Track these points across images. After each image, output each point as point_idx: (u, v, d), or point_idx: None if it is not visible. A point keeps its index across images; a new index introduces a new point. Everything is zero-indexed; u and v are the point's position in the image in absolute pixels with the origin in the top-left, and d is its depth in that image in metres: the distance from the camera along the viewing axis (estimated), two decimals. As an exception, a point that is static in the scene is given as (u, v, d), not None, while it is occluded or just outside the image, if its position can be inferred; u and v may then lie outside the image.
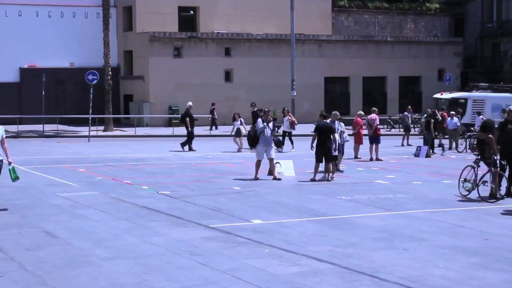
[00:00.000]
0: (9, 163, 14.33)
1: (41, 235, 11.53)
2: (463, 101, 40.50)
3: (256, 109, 31.53)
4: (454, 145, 32.01)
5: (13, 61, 45.89)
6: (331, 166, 19.59)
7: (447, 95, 41.46)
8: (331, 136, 19.56)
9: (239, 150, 28.82)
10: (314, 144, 19.64)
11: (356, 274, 9.25)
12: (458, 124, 32.46)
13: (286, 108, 31.39)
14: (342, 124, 22.17)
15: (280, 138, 29.57)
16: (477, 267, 9.70)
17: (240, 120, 29.99)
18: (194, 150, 28.64)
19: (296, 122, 30.31)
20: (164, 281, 8.82)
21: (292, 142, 29.68)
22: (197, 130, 31.20)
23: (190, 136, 29.25)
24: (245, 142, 27.66)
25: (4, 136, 14.22)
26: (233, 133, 30.62)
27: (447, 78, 51.30)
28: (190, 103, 30.88)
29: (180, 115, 32.79)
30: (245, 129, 29.11)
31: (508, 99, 39.98)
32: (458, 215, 14.09)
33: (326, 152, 19.43)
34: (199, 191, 17.02)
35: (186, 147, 28.91)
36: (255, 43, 48.58)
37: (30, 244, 10.85)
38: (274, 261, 9.92)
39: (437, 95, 42.09)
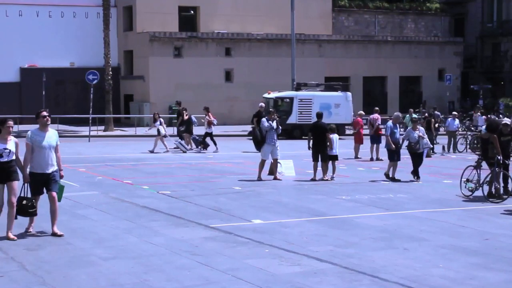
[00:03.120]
0: (61, 177, 11.93)
1: (42, 235, 11.52)
2: (288, 100, 38.44)
3: (181, 107, 30.77)
4: (451, 146, 31.07)
5: (13, 61, 45.91)
6: (328, 165, 19.61)
7: (273, 94, 38.96)
8: (325, 136, 19.58)
9: (152, 151, 27.79)
10: (311, 144, 19.72)
11: (356, 274, 9.25)
12: (459, 125, 31.72)
13: (206, 108, 30.48)
14: (422, 128, 20.21)
15: (199, 138, 29.01)
16: (477, 267, 9.69)
17: (160, 120, 28.99)
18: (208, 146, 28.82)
19: (214, 123, 29.47)
20: (164, 281, 8.82)
21: (215, 143, 28.81)
22: (198, 130, 31.13)
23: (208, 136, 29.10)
24: (165, 144, 27.77)
25: (59, 142, 11.88)
26: (163, 133, 28.85)
27: (447, 78, 51.28)
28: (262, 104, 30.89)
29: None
30: (164, 129, 28.50)
31: (337, 98, 38.69)
32: (458, 215, 14.09)
33: (321, 152, 19.45)
34: (199, 191, 17.02)
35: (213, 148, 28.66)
36: (255, 43, 48.58)
37: (30, 244, 10.85)
38: (275, 261, 9.92)
39: (265, 95, 39.60)
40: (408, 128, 20.23)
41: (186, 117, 29.48)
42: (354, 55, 51.69)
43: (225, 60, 47.76)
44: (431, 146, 21.41)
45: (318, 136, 19.55)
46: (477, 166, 16.69)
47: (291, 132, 37.25)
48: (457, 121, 31.47)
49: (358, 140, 26.87)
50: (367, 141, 26.97)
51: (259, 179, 19.11)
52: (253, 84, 47.60)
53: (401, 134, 20.97)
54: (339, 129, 37.55)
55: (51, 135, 11.57)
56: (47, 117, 11.56)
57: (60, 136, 11.78)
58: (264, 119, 19.74)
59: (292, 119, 37.86)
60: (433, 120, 30.12)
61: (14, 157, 11.25)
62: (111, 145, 32.34)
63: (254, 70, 47.83)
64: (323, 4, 53.03)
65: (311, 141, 19.71)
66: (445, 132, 33.10)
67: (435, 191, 17.56)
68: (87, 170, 21.55)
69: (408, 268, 9.59)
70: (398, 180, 19.25)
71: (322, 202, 15.46)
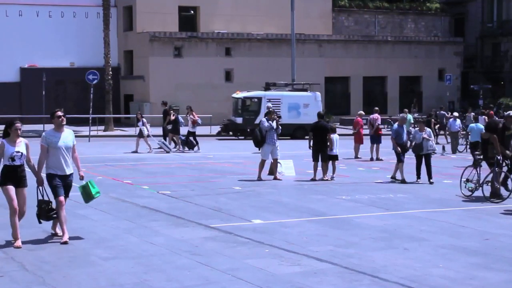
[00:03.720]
0: (81, 177, 11.38)
1: (42, 235, 11.52)
2: (256, 100, 37.61)
3: (167, 107, 30.66)
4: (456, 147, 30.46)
5: (13, 61, 45.92)
6: (328, 165, 19.63)
7: (241, 94, 38.51)
8: (326, 136, 19.59)
9: (134, 151, 27.64)
10: (311, 144, 19.75)
11: (357, 274, 9.25)
12: (461, 126, 31.26)
13: (189, 106, 30.36)
14: (428, 130, 19.53)
15: (184, 138, 28.78)
16: (478, 267, 9.70)
17: (143, 120, 28.79)
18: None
19: (198, 122, 29.35)
20: (164, 281, 8.82)
21: (197, 143, 28.64)
22: (198, 130, 31.09)
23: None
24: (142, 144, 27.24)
25: (75, 142, 11.36)
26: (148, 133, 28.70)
27: (447, 78, 51.28)
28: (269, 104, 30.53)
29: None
30: (147, 129, 28.28)
31: (306, 98, 38.12)
32: (458, 215, 14.09)
33: (321, 152, 19.47)
34: (199, 191, 17.02)
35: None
36: (256, 43, 48.58)
37: (30, 244, 10.85)
38: (275, 261, 9.92)
39: (234, 94, 39.33)
40: (415, 129, 20.04)
41: (172, 117, 29.20)
42: (354, 55, 51.70)
43: (225, 60, 47.76)
44: (436, 149, 20.53)
45: (319, 136, 19.56)
46: (475, 166, 16.68)
47: None
48: (458, 121, 31.11)
49: (358, 140, 26.88)
50: (367, 141, 26.97)
51: (259, 179, 19.11)
52: (253, 84, 47.48)
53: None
54: (308, 129, 37.57)
55: (67, 135, 11.11)
56: (62, 117, 11.11)
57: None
58: (264, 119, 19.76)
59: (260, 119, 37.17)
60: (433, 120, 30.08)
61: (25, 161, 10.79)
62: (111, 145, 32.34)
63: (254, 70, 47.82)
64: (323, 4, 53.04)
65: (311, 141, 19.75)
66: (448, 133, 32.67)
67: (435, 191, 17.56)
68: (87, 170, 21.47)
69: (408, 268, 9.59)
70: (405, 182, 18.89)
71: (322, 202, 15.47)
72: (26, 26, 46.18)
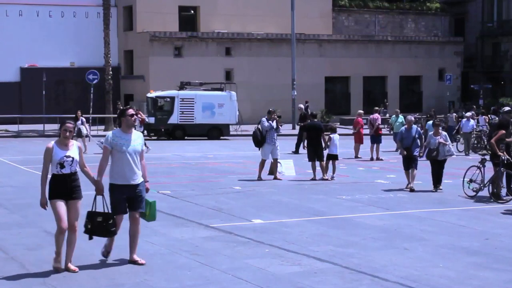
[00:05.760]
0: (146, 190, 9.65)
1: (42, 235, 11.52)
2: (168, 99, 36.82)
3: (121, 107, 30.47)
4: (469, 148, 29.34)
5: (13, 60, 45.95)
6: (327, 165, 19.65)
7: (154, 94, 37.77)
8: (321, 135, 19.61)
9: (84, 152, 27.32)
10: (306, 144, 19.82)
11: (357, 274, 9.25)
12: (474, 126, 30.12)
13: (134, 106, 30.24)
14: (444, 133, 17.90)
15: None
16: (478, 267, 9.69)
17: (82, 119, 28.55)
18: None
19: (145, 121, 29.02)
20: (165, 281, 8.82)
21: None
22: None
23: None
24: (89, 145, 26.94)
25: (144, 147, 9.95)
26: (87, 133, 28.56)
27: (448, 78, 51.30)
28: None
29: None
30: (86, 129, 27.96)
31: (220, 97, 37.30)
32: (458, 215, 14.09)
33: (317, 151, 19.48)
34: (199, 190, 17.02)
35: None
36: (256, 43, 48.60)
37: (31, 243, 10.85)
38: (275, 260, 9.92)
39: (148, 94, 38.27)
40: (430, 133, 17.96)
41: None
42: (355, 55, 51.72)
43: (225, 60, 47.77)
44: (454, 154, 18.53)
45: (313, 136, 19.60)
46: (480, 166, 16.58)
47: (172, 133, 36.23)
48: (472, 121, 29.99)
49: (358, 140, 26.88)
50: (367, 141, 26.97)
51: (259, 179, 19.11)
52: (253, 84, 47.62)
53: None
54: (223, 129, 37.41)
55: (136, 138, 9.48)
56: (135, 115, 9.76)
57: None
58: (264, 119, 19.75)
59: (174, 119, 36.28)
60: (433, 120, 29.98)
61: (78, 168, 9.25)
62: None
63: (254, 70, 47.85)
64: (323, 4, 53.06)
65: (306, 140, 19.81)
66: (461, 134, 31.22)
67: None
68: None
69: (408, 267, 9.59)
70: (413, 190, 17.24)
71: (322, 202, 15.47)
72: (26, 26, 46.21)
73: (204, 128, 36.04)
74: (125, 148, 9.31)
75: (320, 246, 10.85)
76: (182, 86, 38.31)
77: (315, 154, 19.56)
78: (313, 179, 19.34)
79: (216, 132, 36.85)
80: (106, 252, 9.71)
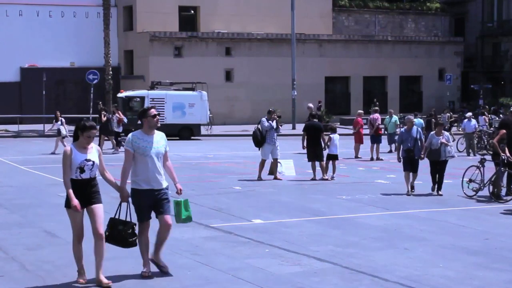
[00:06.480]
0: (179, 191, 9.24)
1: (42, 235, 11.53)
2: (138, 99, 36.54)
3: (101, 107, 30.51)
4: (471, 148, 28.98)
5: (13, 60, 45.94)
6: (327, 165, 19.66)
7: (124, 94, 37.42)
8: (320, 135, 19.61)
9: (53, 153, 26.93)
10: (305, 144, 19.79)
11: (357, 274, 9.25)
12: (476, 127, 29.62)
13: (115, 106, 29.68)
14: (447, 134, 17.44)
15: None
16: (478, 267, 9.70)
17: (61, 120, 28.42)
18: None
19: (124, 121, 28.91)
20: (165, 281, 8.82)
21: (118, 143, 28.21)
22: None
23: None
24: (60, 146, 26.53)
25: (168, 148, 9.31)
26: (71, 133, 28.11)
27: (448, 78, 51.30)
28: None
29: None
30: (65, 129, 27.94)
31: (191, 97, 37.06)
32: (458, 214, 14.09)
33: (316, 151, 19.49)
34: (199, 190, 17.02)
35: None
36: (256, 43, 48.59)
37: (31, 243, 10.85)
38: (275, 260, 9.92)
39: (118, 94, 37.74)
40: (431, 133, 17.48)
41: (104, 118, 28.84)
42: (355, 55, 51.72)
43: (225, 60, 47.77)
44: (455, 155, 17.91)
45: (312, 136, 19.59)
46: (480, 166, 16.57)
47: None
48: (473, 121, 29.48)
49: (358, 140, 26.89)
50: (367, 141, 26.98)
51: (259, 179, 19.11)
52: (253, 84, 47.62)
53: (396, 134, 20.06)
54: (194, 129, 37.26)
55: (159, 139, 9.02)
56: (158, 116, 9.02)
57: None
58: (263, 119, 19.75)
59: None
60: (433, 120, 30.01)
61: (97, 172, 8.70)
62: (111, 144, 32.27)
63: (254, 70, 47.85)
64: (323, 4, 53.05)
65: (305, 141, 19.79)
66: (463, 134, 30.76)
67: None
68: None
69: (408, 267, 9.59)
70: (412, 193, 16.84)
71: (322, 202, 15.47)
72: (26, 26, 46.20)
73: (175, 128, 35.60)
74: (148, 151, 8.83)
75: (320, 246, 10.85)
76: (152, 86, 38.15)
77: (315, 154, 19.57)
78: (313, 179, 19.34)
79: (187, 132, 36.65)
80: (146, 273, 8.96)
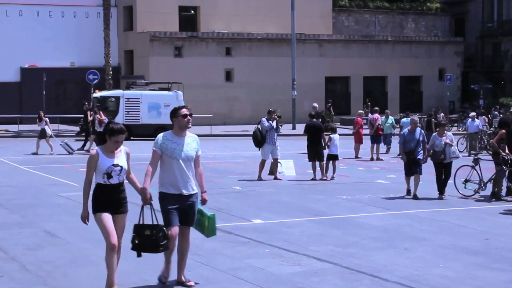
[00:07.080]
0: (203, 201, 8.67)
1: (42, 235, 11.52)
2: (113, 99, 36.01)
3: (85, 108, 30.26)
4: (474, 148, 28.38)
5: (13, 60, 45.92)
6: (327, 165, 19.67)
7: (99, 93, 36.64)
8: (320, 135, 19.62)
9: (35, 153, 26.79)
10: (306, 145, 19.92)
11: (357, 274, 9.25)
12: (480, 127, 29.40)
13: (97, 106, 29.82)
14: (450, 134, 16.78)
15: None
16: (478, 267, 9.70)
17: (45, 120, 28.22)
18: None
19: (105, 121, 29.02)
20: (165, 281, 8.81)
21: (100, 143, 27.99)
22: (199, 130, 31.06)
23: None
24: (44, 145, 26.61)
25: (200, 152, 8.61)
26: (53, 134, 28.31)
27: (448, 78, 51.30)
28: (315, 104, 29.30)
29: None
30: (50, 129, 27.84)
31: (167, 97, 36.32)
32: (458, 215, 14.09)
33: (316, 151, 19.50)
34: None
35: None
36: (256, 43, 48.59)
37: (31, 243, 10.85)
38: (275, 260, 9.92)
39: (93, 94, 37.04)
40: (434, 134, 17.09)
41: (90, 118, 28.69)
42: (355, 55, 51.72)
43: (226, 60, 47.77)
44: (460, 156, 17.09)
45: (313, 136, 19.60)
46: (474, 166, 16.57)
47: None
48: (477, 121, 29.23)
49: (358, 140, 26.89)
50: (367, 141, 26.98)
51: (260, 179, 19.12)
52: (253, 84, 47.63)
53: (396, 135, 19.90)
54: (169, 129, 36.83)
55: (190, 141, 8.40)
56: (189, 116, 8.40)
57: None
58: (264, 119, 19.75)
59: (119, 119, 34.74)
60: (433, 120, 30.02)
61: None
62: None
63: (254, 70, 47.85)
64: (323, 4, 53.05)
65: (306, 141, 19.83)
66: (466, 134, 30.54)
67: (435, 191, 17.52)
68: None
69: (408, 267, 9.59)
70: (417, 198, 16.17)
71: (322, 202, 15.47)
72: (26, 26, 46.18)
73: (150, 128, 35.25)
74: (177, 153, 8.27)
75: (320, 246, 10.85)
76: (128, 86, 37.87)
77: (315, 154, 19.57)
78: (313, 179, 19.34)
79: (162, 132, 36.33)
80: (164, 277, 8.52)
